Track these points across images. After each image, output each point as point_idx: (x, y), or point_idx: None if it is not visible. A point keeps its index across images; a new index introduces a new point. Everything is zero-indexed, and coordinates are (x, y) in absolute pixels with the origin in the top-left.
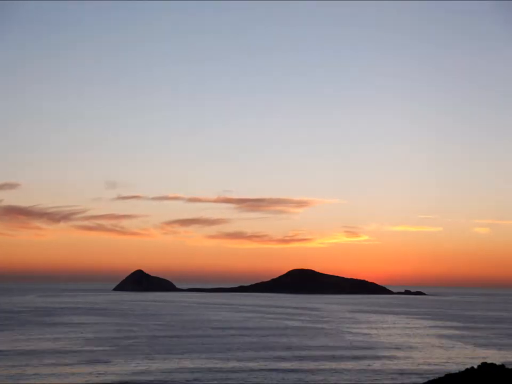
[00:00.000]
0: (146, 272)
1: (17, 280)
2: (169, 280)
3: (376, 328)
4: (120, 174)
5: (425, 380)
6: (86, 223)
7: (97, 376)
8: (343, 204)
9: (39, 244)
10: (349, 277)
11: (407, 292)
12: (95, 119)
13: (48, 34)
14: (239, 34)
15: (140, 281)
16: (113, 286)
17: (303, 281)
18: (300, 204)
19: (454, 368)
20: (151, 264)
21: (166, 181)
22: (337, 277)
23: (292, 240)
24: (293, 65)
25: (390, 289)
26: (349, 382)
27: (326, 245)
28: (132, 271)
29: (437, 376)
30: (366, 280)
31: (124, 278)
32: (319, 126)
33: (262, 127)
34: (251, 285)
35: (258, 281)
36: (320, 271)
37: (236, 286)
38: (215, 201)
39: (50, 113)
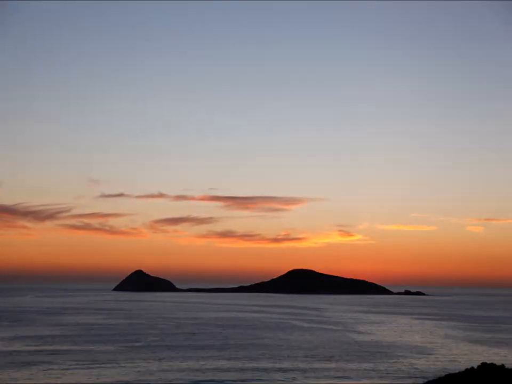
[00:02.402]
0: (146, 272)
1: (7, 280)
2: (168, 280)
3: (379, 329)
4: (102, 172)
5: (425, 380)
6: (72, 222)
7: (100, 377)
8: (333, 202)
9: (26, 243)
10: (347, 277)
11: (407, 292)
12: (76, 116)
13: (44, 34)
14: (233, 33)
15: (140, 281)
16: (110, 286)
17: (303, 281)
18: (289, 202)
19: (454, 368)
20: (146, 264)
21: (150, 179)
22: (337, 277)
23: (284, 239)
24: (285, 61)
25: (389, 289)
26: (350, 382)
27: (320, 244)
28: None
29: (437, 376)
30: (366, 280)
31: (124, 278)
32: (311, 124)
33: (250, 124)
34: (251, 285)
35: (258, 281)
36: (317, 271)
37: (236, 286)
38: (202, 199)
39: (33, 111)
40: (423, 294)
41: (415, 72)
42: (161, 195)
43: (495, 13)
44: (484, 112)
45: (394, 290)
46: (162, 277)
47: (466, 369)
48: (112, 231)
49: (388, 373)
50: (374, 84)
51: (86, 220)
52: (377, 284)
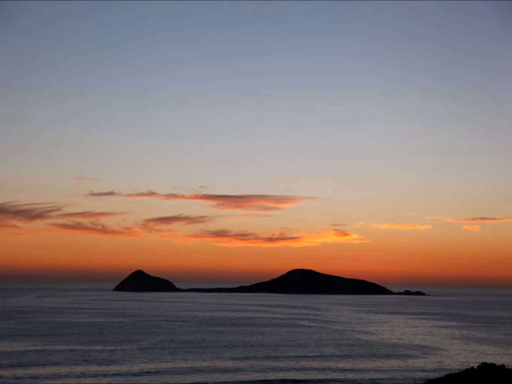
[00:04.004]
0: (146, 272)
1: (3, 281)
2: (167, 279)
3: (381, 328)
4: (89, 170)
5: (425, 380)
6: (63, 221)
7: (102, 376)
8: (325, 201)
9: (19, 243)
10: (347, 277)
11: (407, 292)
12: (62, 114)
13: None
14: (229, 33)
15: (140, 281)
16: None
17: (303, 281)
18: (281, 201)
19: (454, 368)
20: (143, 264)
21: (138, 177)
22: (336, 277)
23: (279, 239)
24: (279, 59)
25: (389, 289)
26: (349, 381)
27: (315, 243)
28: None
29: (437, 376)
30: (366, 280)
31: (122, 278)
32: (304, 122)
33: (241, 122)
34: (251, 285)
35: (257, 281)
36: (317, 271)
37: (236, 286)
38: (193, 198)
39: (20, 110)
40: (423, 294)
41: (412, 72)
42: (151, 193)
43: (494, 13)
44: (480, 111)
45: (394, 290)
46: (161, 277)
47: (466, 369)
48: (104, 230)
49: (388, 373)
50: (370, 84)
51: (77, 219)
52: (377, 283)
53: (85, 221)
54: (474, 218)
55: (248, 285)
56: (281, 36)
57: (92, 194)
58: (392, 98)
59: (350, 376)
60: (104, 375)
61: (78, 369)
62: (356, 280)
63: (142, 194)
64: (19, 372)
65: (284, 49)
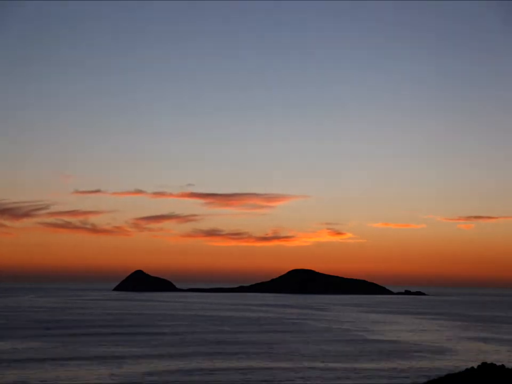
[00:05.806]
0: (146, 272)
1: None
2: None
3: (381, 328)
4: (73, 166)
5: (425, 380)
6: (52, 220)
7: (107, 376)
8: (317, 200)
9: (8, 242)
10: (345, 277)
11: (407, 292)
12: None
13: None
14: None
15: (140, 281)
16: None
17: (303, 282)
18: (271, 199)
19: (454, 368)
20: (139, 264)
21: (124, 174)
22: (337, 277)
23: (273, 238)
24: (268, 58)
25: (388, 288)
26: (349, 381)
27: (309, 243)
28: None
29: (437, 376)
30: (365, 280)
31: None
32: (297, 120)
33: (230, 120)
34: (251, 285)
35: (256, 281)
36: (317, 271)
37: (236, 286)
38: (182, 196)
39: (5, 107)
40: (423, 294)
41: (406, 70)
42: (138, 191)
43: (495, 13)
44: (476, 110)
45: (394, 290)
46: (160, 277)
47: (466, 369)
48: (95, 229)
49: (387, 373)
50: (363, 81)
51: (66, 218)
52: (377, 283)
53: (73, 219)
54: (469, 217)
55: (248, 285)
56: (275, 34)
57: (78, 192)
58: (386, 96)
59: (349, 375)
60: (115, 375)
61: (91, 368)
62: (356, 280)
63: (129, 192)
64: (25, 372)
65: (275, 48)
